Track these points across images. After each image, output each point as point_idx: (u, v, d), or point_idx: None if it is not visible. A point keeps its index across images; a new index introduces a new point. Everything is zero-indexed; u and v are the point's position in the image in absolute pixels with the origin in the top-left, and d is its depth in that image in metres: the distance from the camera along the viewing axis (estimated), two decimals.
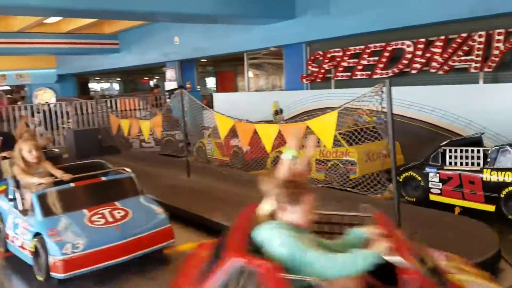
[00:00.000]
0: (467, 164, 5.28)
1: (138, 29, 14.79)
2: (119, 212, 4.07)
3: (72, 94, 20.36)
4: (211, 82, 24.84)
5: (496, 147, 5.12)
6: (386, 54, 8.76)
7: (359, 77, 9.27)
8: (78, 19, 13.58)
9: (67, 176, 4.33)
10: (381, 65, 8.83)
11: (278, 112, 10.15)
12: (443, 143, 5.57)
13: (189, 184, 6.82)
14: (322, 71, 9.95)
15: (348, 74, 9.48)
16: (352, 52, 9.38)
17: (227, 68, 22.17)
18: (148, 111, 13.93)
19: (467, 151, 5.32)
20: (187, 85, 14.64)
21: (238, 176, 7.04)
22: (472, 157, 5.25)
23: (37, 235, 3.85)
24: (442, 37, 7.94)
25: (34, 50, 15.37)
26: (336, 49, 9.63)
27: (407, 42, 8.43)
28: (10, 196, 4.47)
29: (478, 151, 5.22)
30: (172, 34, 13.50)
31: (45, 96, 20.55)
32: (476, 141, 5.71)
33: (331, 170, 6.71)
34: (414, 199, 5.65)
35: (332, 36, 9.14)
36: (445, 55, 7.87)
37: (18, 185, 4.42)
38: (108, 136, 10.41)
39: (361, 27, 8.51)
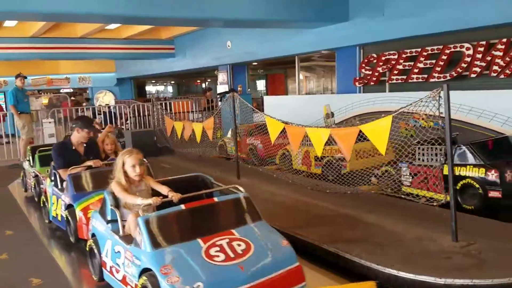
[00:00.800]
0: (432, 160, 6.01)
1: (193, 34, 15.23)
2: (239, 245, 3.20)
3: (130, 96, 21.32)
4: (261, 84, 25.03)
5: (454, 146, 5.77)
6: (444, 57, 8.47)
7: (415, 80, 9.02)
8: (137, 26, 14.18)
9: (176, 196, 3.50)
10: (438, 69, 8.55)
11: (329, 115, 10.08)
12: (415, 141, 5.95)
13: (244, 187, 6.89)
14: (376, 74, 9.78)
15: (404, 77, 9.25)
16: (408, 54, 9.15)
17: (278, 71, 22.24)
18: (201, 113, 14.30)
19: (432, 148, 5.90)
20: (238, 88, 14.87)
21: (285, 178, 7.05)
22: (436, 154, 5.96)
23: (145, 270, 3.06)
24: (504, 40, 7.57)
25: (95, 55, 16.24)
26: (391, 52, 9.43)
27: (466, 45, 8.11)
28: (109, 217, 3.73)
29: (441, 149, 5.80)
30: (225, 39, 13.78)
31: (105, 99, 21.66)
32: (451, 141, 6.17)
33: (326, 166, 7.53)
34: (389, 190, 6.05)
35: (387, 38, 8.96)
36: (507, 58, 7.50)
37: (117, 203, 3.72)
38: (162, 137, 10.80)
39: (417, 29, 8.29)
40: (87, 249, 4.02)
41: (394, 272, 3.48)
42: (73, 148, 5.34)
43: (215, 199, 3.67)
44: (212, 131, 8.47)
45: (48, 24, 12.72)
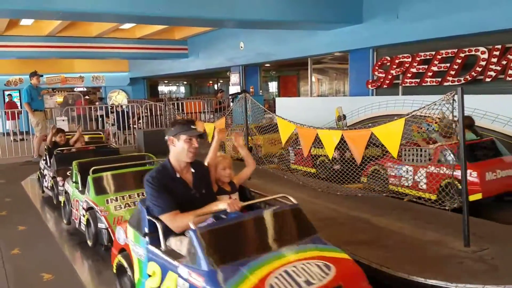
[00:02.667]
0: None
1: (206, 35, 15.30)
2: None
3: (143, 96, 21.46)
4: (273, 86, 25.04)
5: None
6: (458, 60, 8.38)
7: (428, 84, 8.94)
8: (151, 26, 14.28)
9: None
10: (452, 72, 8.46)
11: (341, 118, 10.03)
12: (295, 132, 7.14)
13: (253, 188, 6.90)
14: (389, 77, 9.71)
15: (417, 80, 9.17)
16: (422, 58, 9.08)
17: (290, 73, 22.23)
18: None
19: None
20: (250, 89, 14.89)
21: (296, 180, 7.04)
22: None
23: None
24: None
25: (109, 54, 16.39)
26: (405, 55, 9.36)
27: (482, 49, 8.01)
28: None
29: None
30: (238, 40, 13.81)
31: (118, 98, 21.84)
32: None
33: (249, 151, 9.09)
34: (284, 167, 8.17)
35: (401, 41, 8.92)
36: None
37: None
38: None
39: (432, 32, 8.23)
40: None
41: (405, 275, 3.45)
42: (177, 175, 3.10)
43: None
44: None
45: (63, 23, 12.87)
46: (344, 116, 10.00)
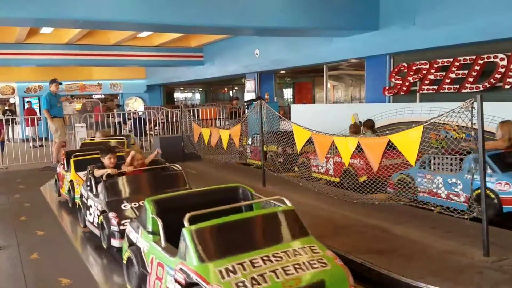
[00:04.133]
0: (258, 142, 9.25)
1: (221, 42, 15.39)
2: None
3: (159, 103, 21.68)
4: (288, 93, 25.03)
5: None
6: (477, 67, 8.27)
7: (446, 90, 8.84)
8: (168, 34, 14.45)
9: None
10: (471, 79, 8.35)
11: (358, 125, 9.96)
12: (253, 133, 9.65)
13: (268, 194, 6.90)
14: (407, 83, 9.62)
15: (435, 87, 9.07)
16: (440, 64, 8.98)
17: (305, 79, 22.21)
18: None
19: (258, 136, 8.67)
20: (266, 96, 14.92)
21: (311, 187, 7.02)
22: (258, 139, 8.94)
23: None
24: None
25: (127, 62, 16.61)
26: (422, 61, 9.28)
27: (500, 55, 7.89)
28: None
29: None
30: (253, 47, 13.86)
31: (135, 105, 22.11)
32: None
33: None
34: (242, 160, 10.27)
35: (418, 48, 8.83)
36: None
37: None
38: (190, 143, 10.92)
39: (449, 39, 8.14)
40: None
41: (423, 285, 3.40)
42: None
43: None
44: (238, 138, 8.53)
45: (82, 31, 13.09)
46: (361, 123, 9.93)
